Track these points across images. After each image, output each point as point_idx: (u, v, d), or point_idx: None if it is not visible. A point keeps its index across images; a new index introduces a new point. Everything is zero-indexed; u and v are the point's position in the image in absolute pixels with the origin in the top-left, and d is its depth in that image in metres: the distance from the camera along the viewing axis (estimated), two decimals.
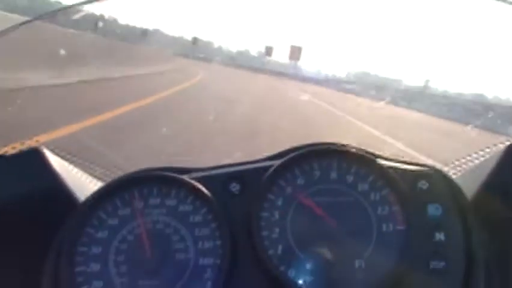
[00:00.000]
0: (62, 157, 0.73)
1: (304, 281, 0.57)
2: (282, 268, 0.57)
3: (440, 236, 0.59)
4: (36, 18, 0.88)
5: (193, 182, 0.63)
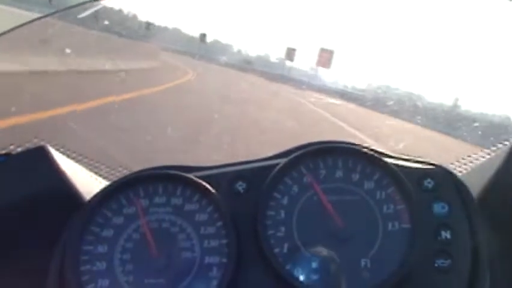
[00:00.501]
0: (68, 156, 0.73)
1: (309, 280, 0.57)
2: (287, 267, 0.57)
3: (445, 235, 0.59)
4: (44, 16, 0.88)
5: (199, 180, 0.63)
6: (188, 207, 0.62)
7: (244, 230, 0.60)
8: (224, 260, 0.58)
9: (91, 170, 0.76)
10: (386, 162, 0.63)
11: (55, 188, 0.65)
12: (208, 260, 0.59)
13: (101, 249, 0.60)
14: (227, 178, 0.65)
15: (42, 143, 0.70)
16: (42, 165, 0.66)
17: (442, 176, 0.63)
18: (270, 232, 0.60)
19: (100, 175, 0.77)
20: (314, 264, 0.58)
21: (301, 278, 0.57)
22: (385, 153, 0.67)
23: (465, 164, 0.74)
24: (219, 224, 0.61)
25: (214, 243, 0.60)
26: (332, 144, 0.66)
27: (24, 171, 0.66)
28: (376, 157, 0.63)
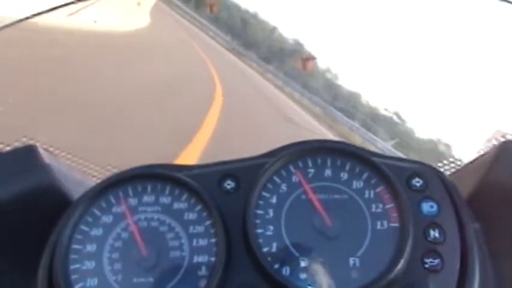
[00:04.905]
0: (57, 155, 0.73)
1: (298, 279, 0.57)
2: (276, 266, 0.57)
3: (434, 234, 0.59)
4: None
5: (187, 179, 0.63)
6: (177, 206, 0.62)
7: (233, 229, 0.60)
8: (212, 259, 0.58)
9: (79, 169, 0.76)
10: (374, 161, 0.63)
11: (45, 187, 0.65)
12: (196, 259, 0.59)
13: (90, 248, 0.60)
14: (215, 177, 0.65)
15: (31, 142, 0.70)
16: (31, 164, 0.66)
17: (431, 175, 0.64)
18: (259, 231, 0.60)
19: (89, 174, 0.76)
20: (303, 263, 0.58)
21: (290, 277, 0.57)
22: (374, 152, 0.67)
23: (453, 163, 0.74)
24: (208, 223, 0.61)
25: (202, 242, 0.60)
26: (321, 144, 0.66)
27: (13, 170, 0.66)
28: (365, 156, 0.64)
